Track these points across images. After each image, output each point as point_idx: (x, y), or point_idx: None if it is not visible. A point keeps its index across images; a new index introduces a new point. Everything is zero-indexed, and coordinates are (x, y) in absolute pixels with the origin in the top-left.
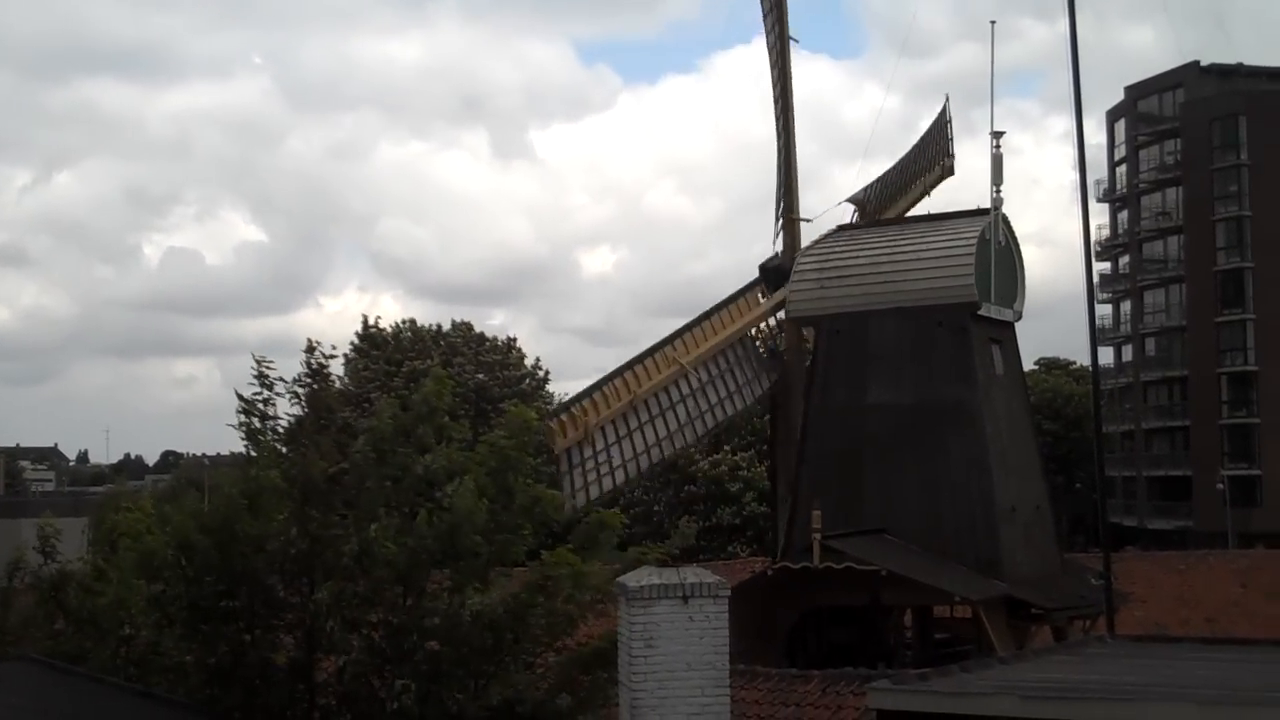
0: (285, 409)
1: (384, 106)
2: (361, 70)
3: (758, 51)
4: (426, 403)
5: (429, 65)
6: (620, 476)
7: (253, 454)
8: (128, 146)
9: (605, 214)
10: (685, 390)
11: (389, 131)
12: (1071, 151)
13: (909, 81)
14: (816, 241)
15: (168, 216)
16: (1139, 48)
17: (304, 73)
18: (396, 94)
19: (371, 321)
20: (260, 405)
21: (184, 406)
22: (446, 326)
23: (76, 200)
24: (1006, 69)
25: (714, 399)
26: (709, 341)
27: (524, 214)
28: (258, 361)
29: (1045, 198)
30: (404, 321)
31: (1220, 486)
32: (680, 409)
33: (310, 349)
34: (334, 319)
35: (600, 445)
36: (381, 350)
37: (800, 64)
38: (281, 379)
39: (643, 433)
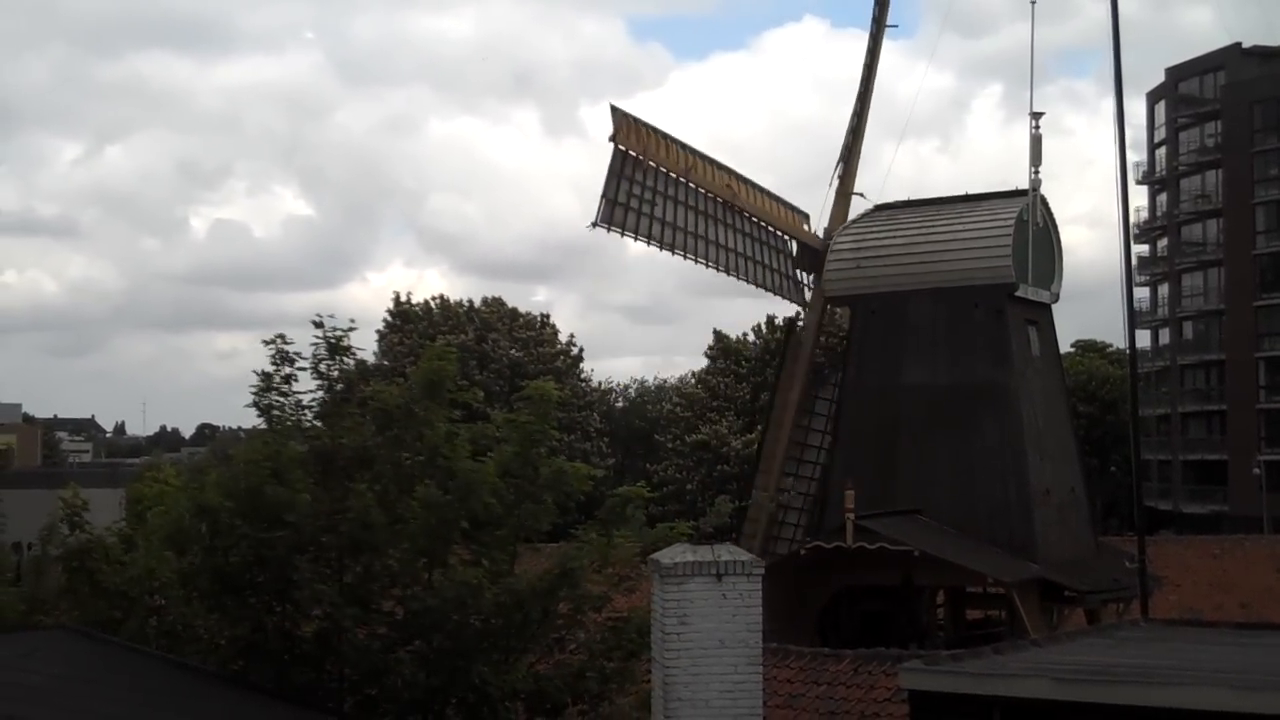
0: (309, 384)
1: (435, 82)
2: (413, 45)
3: (808, 29)
4: (429, 377)
5: (481, 41)
6: (655, 230)
7: (269, 427)
8: (179, 120)
9: None
10: (731, 220)
11: (440, 107)
12: (1131, 132)
13: (963, 60)
14: (853, 221)
15: (217, 190)
16: (1196, 28)
17: (356, 47)
18: (448, 69)
19: (404, 297)
20: (279, 384)
21: (224, 380)
22: (499, 303)
23: (126, 173)
24: (1062, 48)
25: (750, 253)
26: (757, 204)
27: (572, 190)
28: (276, 340)
29: (1098, 179)
30: (435, 297)
31: (1256, 471)
32: (723, 230)
33: (319, 325)
34: (379, 294)
35: (650, 183)
36: (414, 325)
37: (852, 44)
38: (298, 354)
39: (687, 212)
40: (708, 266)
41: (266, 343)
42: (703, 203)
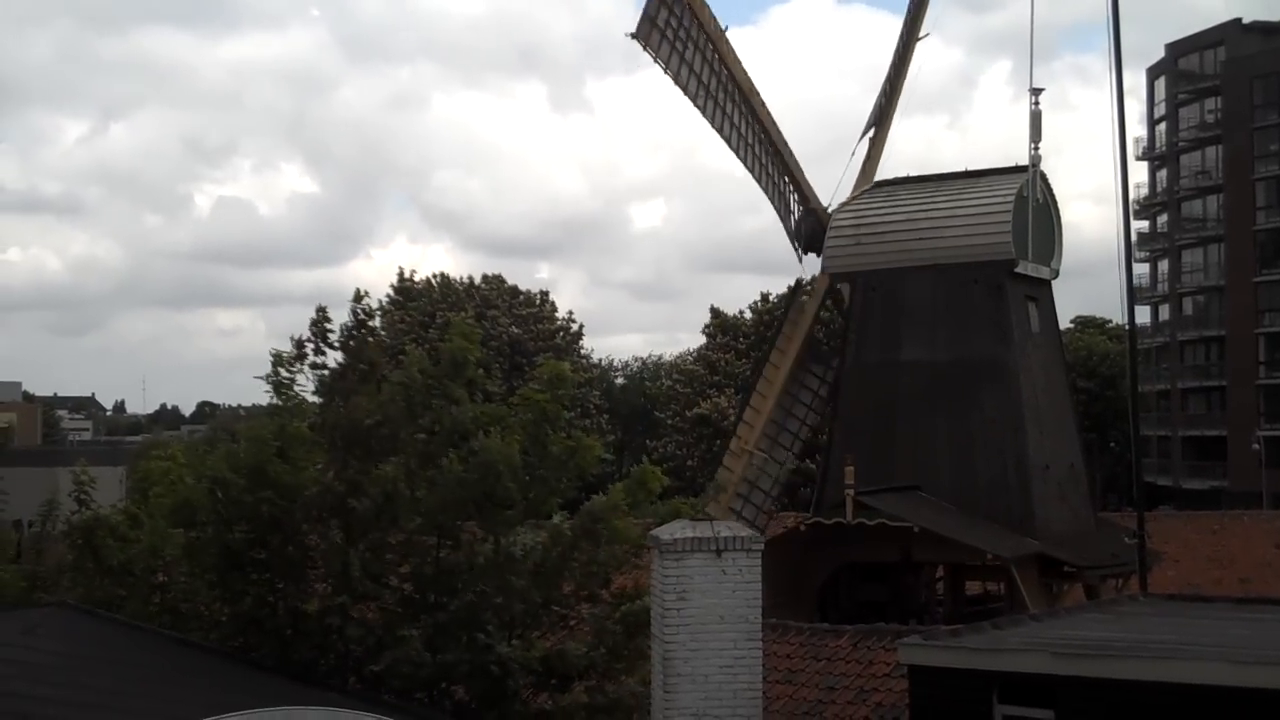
0: (329, 360)
1: (440, 58)
2: (418, 21)
3: (815, 3)
4: (455, 356)
5: (486, 16)
6: (684, 74)
7: (280, 404)
8: (183, 97)
9: (660, 167)
10: (746, 117)
11: (444, 83)
12: (1136, 107)
13: (971, 35)
14: (853, 197)
15: (221, 167)
16: (1202, 2)
17: (360, 23)
18: (453, 45)
19: (407, 274)
20: (309, 353)
21: (225, 358)
22: (498, 280)
23: (130, 150)
24: (1070, 22)
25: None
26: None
27: (578, 167)
28: (319, 310)
29: (1104, 154)
30: (436, 275)
31: (1256, 447)
32: (738, 117)
33: (359, 298)
34: (383, 271)
35: (688, 25)
36: (416, 302)
37: (859, 17)
38: (331, 330)
39: (712, 76)
40: (720, 135)
41: (318, 311)
42: (727, 82)
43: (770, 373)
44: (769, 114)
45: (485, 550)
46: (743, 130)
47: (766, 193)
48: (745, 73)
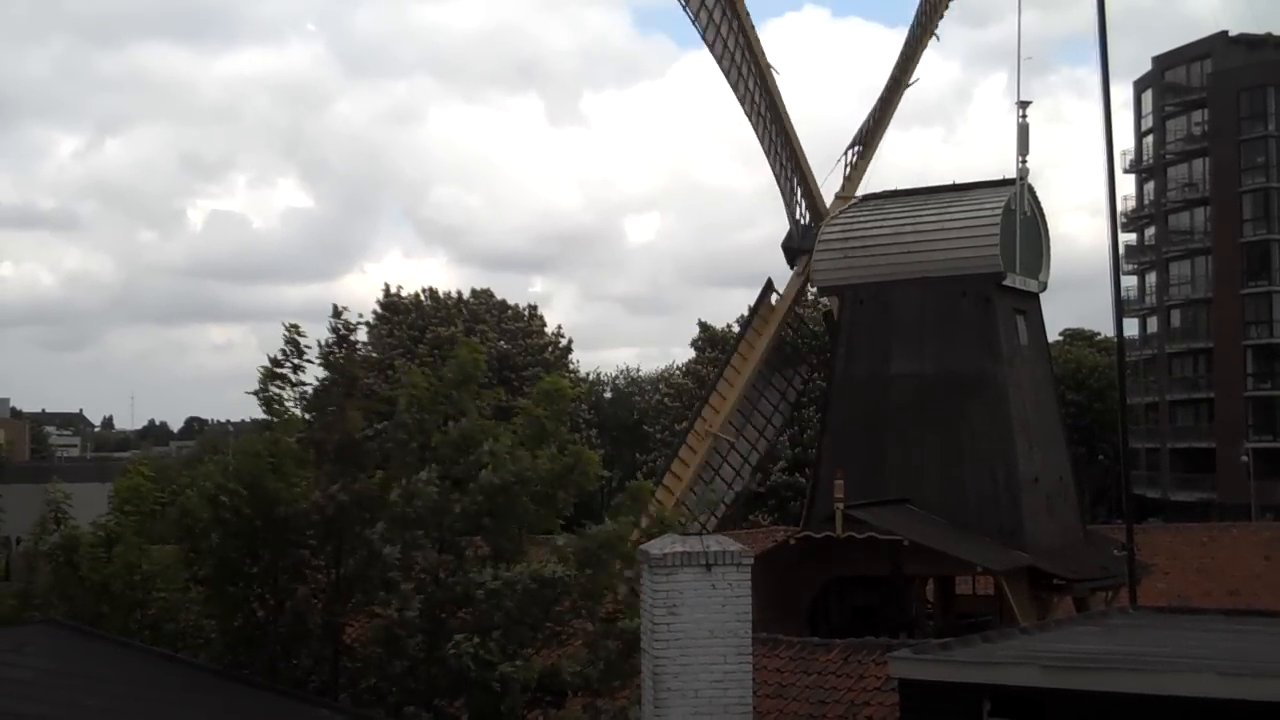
0: (314, 374)
1: (437, 73)
2: (416, 35)
3: (809, 18)
4: (463, 369)
5: (483, 31)
6: (710, 34)
7: (272, 419)
8: (180, 111)
9: (655, 181)
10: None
11: (441, 98)
12: (1127, 118)
13: (967, 49)
14: (841, 211)
15: (217, 182)
16: (1202, 14)
17: (358, 38)
18: (450, 60)
19: (394, 289)
20: (288, 372)
21: (217, 373)
22: (487, 295)
23: (126, 165)
24: (1066, 35)
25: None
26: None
27: (574, 181)
28: (288, 329)
29: (1099, 167)
30: (425, 289)
31: (1244, 459)
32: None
33: (337, 313)
34: (376, 286)
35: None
36: (403, 317)
37: (854, 31)
38: (308, 345)
39: (739, 49)
40: (742, 104)
41: (288, 328)
42: (750, 64)
43: (737, 362)
44: (787, 114)
45: (502, 574)
46: (763, 112)
47: (776, 173)
48: (769, 65)
